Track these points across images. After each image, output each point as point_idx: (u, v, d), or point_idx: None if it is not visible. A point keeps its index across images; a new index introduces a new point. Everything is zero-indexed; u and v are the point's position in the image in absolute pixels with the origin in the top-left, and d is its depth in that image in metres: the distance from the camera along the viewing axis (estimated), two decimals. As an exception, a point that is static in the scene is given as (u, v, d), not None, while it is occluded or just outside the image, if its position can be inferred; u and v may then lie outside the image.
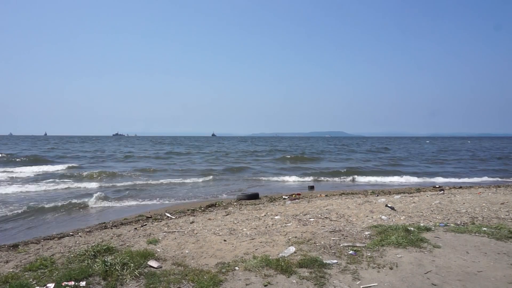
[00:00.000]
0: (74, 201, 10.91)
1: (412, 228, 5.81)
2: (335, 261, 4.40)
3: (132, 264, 4.22)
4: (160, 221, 8.14)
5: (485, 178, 18.95)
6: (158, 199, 12.21)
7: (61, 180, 16.69)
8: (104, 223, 8.35)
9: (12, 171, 20.26)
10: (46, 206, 10.13)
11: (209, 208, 10.15)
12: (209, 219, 7.93)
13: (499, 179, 18.77)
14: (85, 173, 18.97)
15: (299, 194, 12.62)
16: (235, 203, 11.04)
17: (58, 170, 21.24)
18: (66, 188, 14.45)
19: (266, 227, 6.58)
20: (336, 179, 18.81)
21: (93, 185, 15.24)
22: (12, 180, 16.71)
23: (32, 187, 14.09)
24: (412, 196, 10.41)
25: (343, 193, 12.79)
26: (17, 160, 28.17)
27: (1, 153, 32.92)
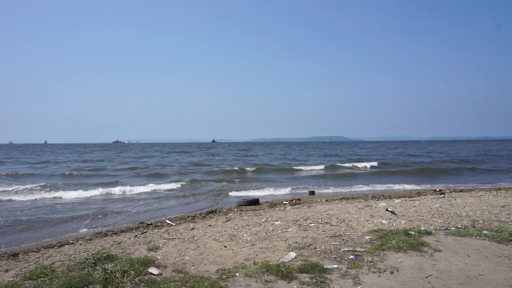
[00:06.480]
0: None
1: (412, 232, 5.80)
2: (335, 266, 4.39)
3: (132, 272, 4.21)
4: (161, 228, 8.13)
5: None
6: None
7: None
8: (103, 231, 8.34)
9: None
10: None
11: (210, 215, 10.14)
12: (210, 225, 7.92)
13: None
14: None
15: (300, 199, 12.60)
16: (235, 209, 11.02)
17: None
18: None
19: (266, 233, 6.57)
20: None
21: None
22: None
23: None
24: (412, 200, 10.39)
25: (343, 198, 12.77)
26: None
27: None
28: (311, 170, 27.59)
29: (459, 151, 51.86)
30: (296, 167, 28.60)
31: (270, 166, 29.92)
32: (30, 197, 13.71)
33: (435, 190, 14.79)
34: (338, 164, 31.82)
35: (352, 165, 30.68)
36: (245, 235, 6.50)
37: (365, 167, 29.21)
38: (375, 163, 30.79)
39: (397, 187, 17.26)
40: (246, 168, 27.19)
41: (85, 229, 8.84)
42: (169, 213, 11.05)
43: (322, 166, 29.44)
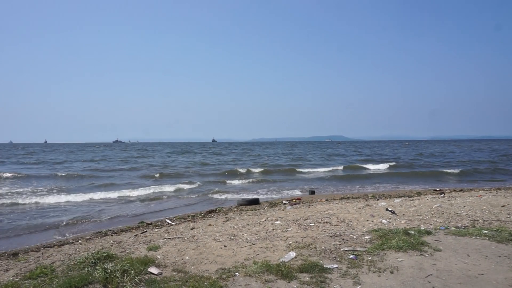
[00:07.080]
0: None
1: (412, 232, 5.80)
2: (335, 265, 4.39)
3: (132, 271, 4.21)
4: (161, 228, 8.13)
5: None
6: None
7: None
8: (103, 230, 8.34)
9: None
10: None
11: (210, 214, 10.14)
12: (210, 225, 7.92)
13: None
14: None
15: (300, 199, 12.61)
16: (235, 209, 11.03)
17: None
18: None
19: (266, 232, 6.57)
20: None
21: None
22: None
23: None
24: (412, 200, 10.39)
25: (343, 197, 12.78)
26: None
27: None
28: (324, 171, 26.41)
29: (477, 152, 49.53)
30: (305, 169, 27.15)
31: (276, 167, 29.08)
32: (31, 199, 13.67)
33: (435, 190, 14.79)
34: (358, 164, 30.61)
35: (368, 166, 29.12)
36: (245, 234, 6.50)
37: (384, 167, 27.78)
38: (392, 163, 29.42)
39: (428, 187, 16.55)
40: (251, 169, 26.53)
41: (86, 230, 8.85)
42: (170, 213, 11.06)
43: (340, 167, 28.13)
